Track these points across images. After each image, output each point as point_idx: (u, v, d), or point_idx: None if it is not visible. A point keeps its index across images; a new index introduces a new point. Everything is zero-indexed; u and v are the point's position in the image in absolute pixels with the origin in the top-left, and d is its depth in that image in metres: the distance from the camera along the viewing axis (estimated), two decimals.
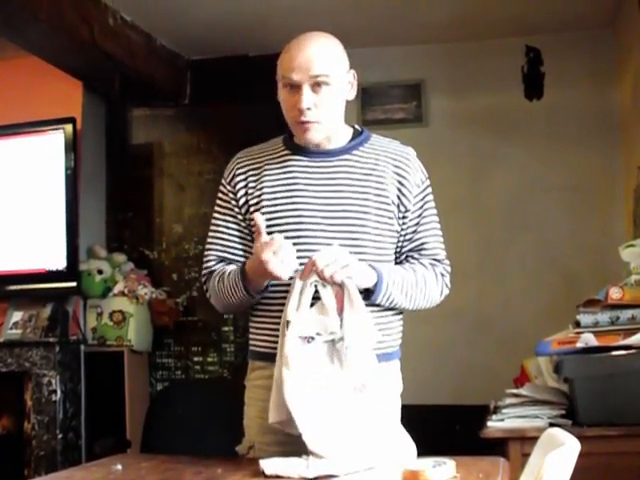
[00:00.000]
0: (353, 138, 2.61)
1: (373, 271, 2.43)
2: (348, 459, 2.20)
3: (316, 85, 2.43)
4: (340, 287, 2.32)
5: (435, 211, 2.65)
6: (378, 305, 2.49)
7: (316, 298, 2.33)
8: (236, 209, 2.61)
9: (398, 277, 2.50)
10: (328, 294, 2.32)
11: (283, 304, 2.35)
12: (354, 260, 2.36)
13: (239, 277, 2.48)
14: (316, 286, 2.32)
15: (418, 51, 6.05)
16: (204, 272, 2.67)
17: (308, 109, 2.44)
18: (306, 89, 2.43)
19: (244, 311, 2.64)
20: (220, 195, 2.66)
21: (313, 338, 2.28)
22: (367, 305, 2.40)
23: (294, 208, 2.51)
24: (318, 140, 2.52)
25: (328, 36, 2.54)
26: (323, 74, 2.42)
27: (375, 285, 2.43)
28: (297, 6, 5.32)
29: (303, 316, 2.30)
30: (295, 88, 2.44)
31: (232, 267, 2.56)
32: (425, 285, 2.57)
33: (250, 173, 2.59)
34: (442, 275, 2.63)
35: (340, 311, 2.31)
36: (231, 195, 2.62)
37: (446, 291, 2.66)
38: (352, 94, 2.56)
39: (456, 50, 6.00)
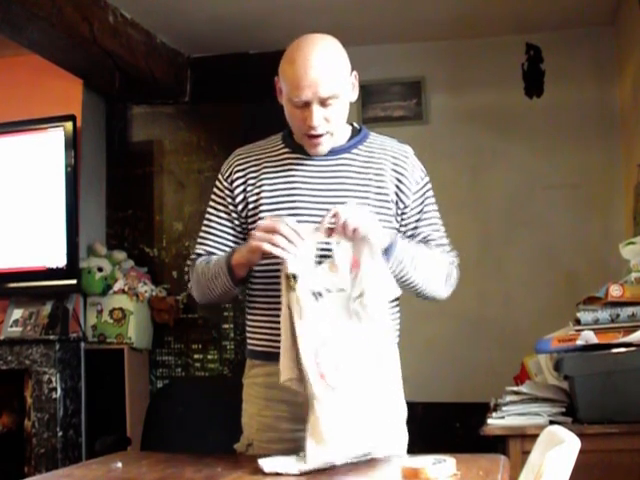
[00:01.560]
0: (352, 136, 2.61)
1: (386, 234, 2.41)
2: (347, 443, 2.20)
3: (325, 101, 2.41)
4: (358, 242, 2.30)
5: (436, 207, 2.65)
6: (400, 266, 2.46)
7: (323, 256, 2.32)
8: (231, 206, 2.60)
9: (412, 247, 2.51)
10: (342, 251, 2.31)
11: (279, 302, 2.31)
12: (371, 217, 2.36)
13: (224, 261, 2.48)
14: (327, 243, 2.31)
15: (418, 49, 6.05)
16: (188, 262, 2.67)
17: (319, 125, 2.43)
18: (316, 107, 2.40)
19: (221, 302, 2.64)
20: (216, 190, 2.66)
21: (321, 294, 2.27)
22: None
23: (293, 207, 2.51)
24: (327, 150, 2.51)
25: (330, 43, 2.48)
26: (332, 93, 2.40)
27: (388, 246, 2.41)
28: (297, 4, 5.32)
29: (312, 271, 2.28)
30: (303, 105, 2.42)
31: (219, 255, 2.57)
32: (437, 263, 2.57)
33: (249, 170, 2.59)
34: (451, 263, 2.63)
35: (353, 268, 2.30)
36: (227, 192, 2.61)
37: (456, 274, 2.65)
38: (354, 95, 2.55)
39: (456, 47, 6.00)
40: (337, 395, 2.21)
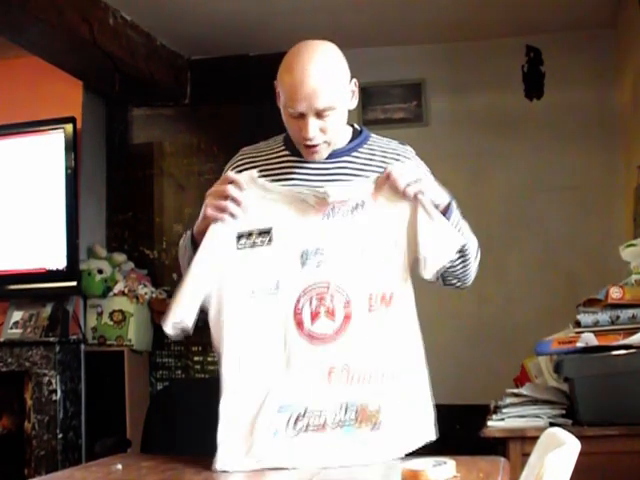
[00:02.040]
0: (353, 138, 2.59)
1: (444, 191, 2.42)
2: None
3: (321, 113, 2.37)
4: (414, 202, 2.33)
5: None
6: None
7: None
8: None
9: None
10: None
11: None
12: (427, 175, 2.40)
13: (189, 231, 2.51)
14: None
15: (418, 51, 6.05)
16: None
17: (314, 136, 2.41)
18: (311, 119, 2.37)
19: None
20: None
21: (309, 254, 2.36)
22: None
23: None
24: (324, 157, 2.50)
25: (329, 52, 2.43)
26: (328, 106, 2.36)
27: (449, 204, 2.42)
28: (297, 6, 5.32)
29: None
30: (299, 116, 2.39)
31: None
32: (474, 241, 2.58)
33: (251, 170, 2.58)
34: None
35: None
36: None
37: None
38: (354, 103, 2.50)
39: (456, 50, 6.01)
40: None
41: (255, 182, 2.38)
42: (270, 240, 2.36)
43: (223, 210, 2.34)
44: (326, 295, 2.33)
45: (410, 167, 2.39)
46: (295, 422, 2.26)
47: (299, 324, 2.32)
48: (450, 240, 2.35)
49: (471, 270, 2.61)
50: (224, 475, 2.18)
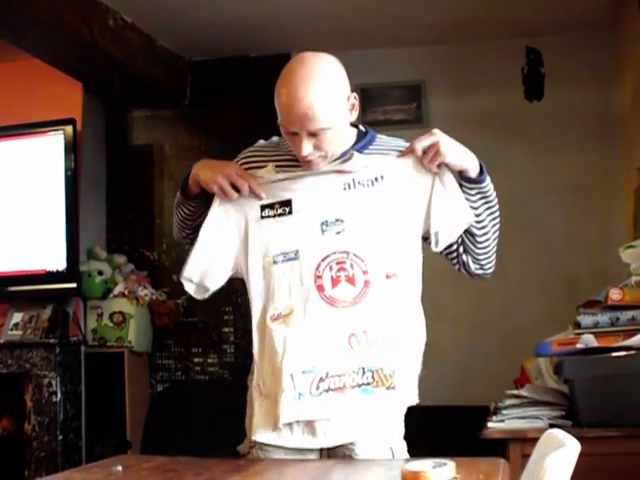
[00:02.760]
0: (358, 140, 2.57)
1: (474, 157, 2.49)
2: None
3: (315, 133, 2.36)
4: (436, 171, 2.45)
5: None
6: (484, 194, 2.52)
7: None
8: None
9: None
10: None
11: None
12: (452, 142, 2.45)
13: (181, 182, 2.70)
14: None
15: (418, 52, 6.05)
16: None
17: (308, 154, 2.40)
18: (305, 138, 2.36)
19: (187, 233, 2.72)
20: None
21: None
22: (474, 190, 2.50)
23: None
24: (324, 166, 2.49)
25: (325, 67, 2.39)
26: (321, 128, 2.34)
27: (480, 168, 2.49)
28: (298, 7, 5.32)
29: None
30: (293, 133, 2.38)
31: None
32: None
33: (254, 170, 2.58)
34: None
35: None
36: None
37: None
38: (354, 115, 2.48)
39: (456, 51, 6.01)
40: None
41: (273, 176, 2.50)
42: (291, 211, 2.47)
43: (228, 196, 2.50)
44: (346, 262, 2.42)
45: (434, 132, 2.45)
46: (317, 385, 2.37)
47: (319, 288, 2.42)
48: (462, 214, 2.47)
49: (492, 245, 2.67)
50: (224, 477, 2.17)
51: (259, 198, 2.49)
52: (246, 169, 2.57)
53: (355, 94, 2.45)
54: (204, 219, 2.60)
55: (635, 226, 4.90)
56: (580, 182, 5.73)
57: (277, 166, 2.54)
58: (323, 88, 2.34)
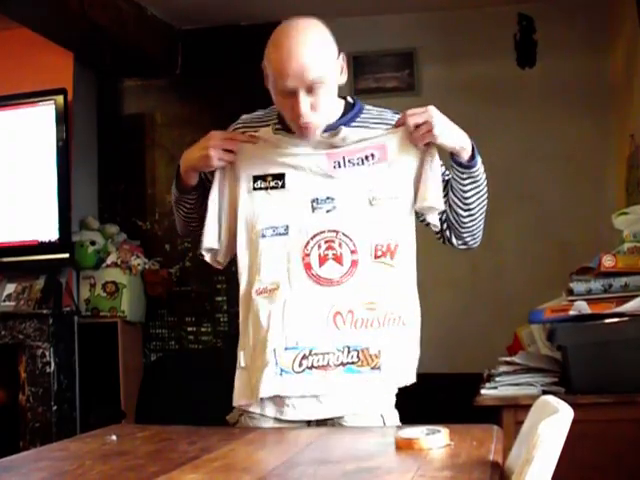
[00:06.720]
0: (345, 112, 2.56)
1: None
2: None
3: (312, 87, 2.36)
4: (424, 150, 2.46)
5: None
6: (474, 178, 2.51)
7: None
8: None
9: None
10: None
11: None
12: (446, 122, 2.48)
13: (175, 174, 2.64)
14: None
15: (410, 19, 6.03)
16: None
17: (306, 112, 2.39)
18: (302, 95, 2.35)
19: (193, 226, 2.71)
20: None
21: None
22: (465, 175, 2.49)
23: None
24: (317, 137, 2.48)
25: (315, 28, 2.41)
26: (318, 79, 2.34)
27: (472, 149, 2.51)
28: None
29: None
30: (290, 93, 2.37)
31: None
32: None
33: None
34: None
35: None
36: None
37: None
38: (343, 78, 2.48)
39: (448, 18, 5.98)
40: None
41: (269, 138, 2.51)
42: (283, 185, 2.47)
43: (227, 158, 2.53)
44: (334, 241, 2.43)
45: (429, 109, 2.45)
46: (300, 362, 2.38)
47: (307, 266, 2.42)
48: (437, 200, 2.46)
49: (477, 225, 2.61)
50: (219, 446, 2.18)
51: (253, 142, 2.51)
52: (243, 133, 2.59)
53: (343, 55, 2.47)
54: (207, 207, 2.59)
55: (628, 193, 4.90)
56: (573, 149, 5.73)
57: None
58: (318, 41, 2.38)
